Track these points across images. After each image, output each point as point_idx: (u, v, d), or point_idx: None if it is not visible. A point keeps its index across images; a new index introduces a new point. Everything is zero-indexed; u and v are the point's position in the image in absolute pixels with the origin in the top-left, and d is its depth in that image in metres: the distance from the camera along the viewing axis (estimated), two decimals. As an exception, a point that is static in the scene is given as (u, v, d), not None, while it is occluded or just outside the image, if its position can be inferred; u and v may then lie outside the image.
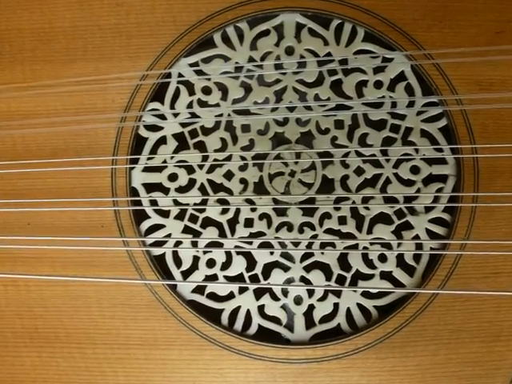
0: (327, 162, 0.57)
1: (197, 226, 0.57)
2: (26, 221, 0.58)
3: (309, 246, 0.56)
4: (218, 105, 0.59)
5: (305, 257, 0.56)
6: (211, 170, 0.58)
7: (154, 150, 0.58)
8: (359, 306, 0.55)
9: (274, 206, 0.56)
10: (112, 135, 0.57)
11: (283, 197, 0.57)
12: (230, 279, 0.56)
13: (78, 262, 0.56)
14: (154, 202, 0.58)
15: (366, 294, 0.55)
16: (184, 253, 0.57)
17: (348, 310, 0.55)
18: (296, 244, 0.56)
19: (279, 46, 0.59)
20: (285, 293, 0.56)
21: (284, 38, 0.59)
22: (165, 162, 0.58)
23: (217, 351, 0.54)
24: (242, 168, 0.58)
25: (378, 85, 0.58)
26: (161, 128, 0.59)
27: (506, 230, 0.53)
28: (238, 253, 0.56)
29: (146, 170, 0.58)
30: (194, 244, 0.57)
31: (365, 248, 0.55)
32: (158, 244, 0.57)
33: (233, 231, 0.57)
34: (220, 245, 0.57)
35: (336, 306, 0.55)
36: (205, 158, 0.58)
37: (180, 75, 0.59)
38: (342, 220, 0.56)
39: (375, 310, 0.55)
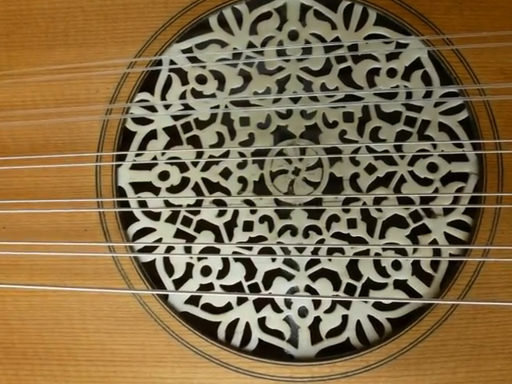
0: (335, 158, 0.56)
1: (190, 230, 0.57)
2: (0, 224, 0.57)
3: (315, 251, 0.55)
4: (213, 95, 0.58)
5: (310, 264, 0.56)
6: (206, 167, 0.57)
7: (142, 146, 0.58)
8: (370, 318, 0.54)
9: (276, 207, 0.56)
10: (96, 129, 0.57)
11: (286, 197, 0.56)
12: (227, 289, 0.56)
13: (59, 270, 0.56)
14: (142, 203, 0.57)
15: (378, 306, 0.54)
16: (176, 259, 0.56)
17: (358, 322, 0.54)
18: (300, 250, 0.56)
19: (282, 30, 0.59)
20: (288, 304, 0.55)
21: (287, 22, 0.59)
22: (155, 158, 0.57)
23: (213, 368, 0.53)
24: (241, 165, 0.57)
25: (392, 73, 0.57)
26: (150, 121, 0.58)
27: (534, 234, 0.54)
28: (236, 259, 0.56)
29: (134, 167, 0.58)
30: (188, 250, 0.56)
31: (377, 254, 0.55)
32: (148, 250, 0.56)
33: (230, 236, 0.56)
34: (216, 251, 0.56)
35: (345, 318, 0.55)
36: (199, 155, 0.57)
37: (172, 62, 0.59)
38: (352, 223, 0.56)
39: (388, 323, 0.54)
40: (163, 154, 0.57)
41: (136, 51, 0.58)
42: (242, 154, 0.57)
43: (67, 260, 0.55)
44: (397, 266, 0.55)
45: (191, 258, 0.56)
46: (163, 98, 0.58)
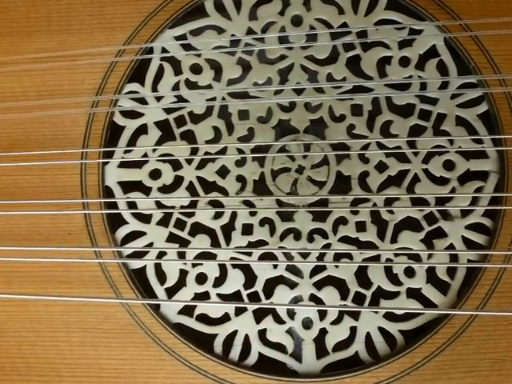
0: (342, 155, 0.56)
1: (184, 234, 0.56)
2: (-23, 227, 0.57)
3: (320, 257, 0.55)
4: (209, 86, 0.58)
5: (315, 271, 0.55)
6: (202, 165, 0.57)
7: (132, 141, 0.58)
8: (381, 330, 0.54)
9: (277, 209, 0.56)
10: (81, 123, 0.57)
11: (289, 198, 0.56)
12: (224, 298, 0.55)
13: (41, 278, 0.56)
14: (132, 205, 0.57)
15: (390, 317, 0.54)
16: (169, 266, 0.56)
17: (368, 335, 0.54)
18: (305, 255, 0.55)
19: (284, 15, 0.59)
20: (291, 314, 0.55)
21: (290, 6, 0.59)
22: (145, 155, 0.57)
23: (209, 385, 0.53)
24: (239, 163, 0.57)
25: (405, 62, 0.57)
26: (140, 114, 0.58)
27: (560, 238, 0.53)
28: (234, 266, 0.55)
29: (123, 165, 0.57)
30: (181, 255, 0.56)
31: (388, 260, 0.55)
32: (138, 255, 0.56)
33: (228, 240, 0.56)
34: (212, 256, 0.56)
35: (353, 330, 0.54)
36: (194, 151, 0.57)
37: (164, 50, 0.59)
38: (361, 226, 0.55)
39: (401, 336, 0.54)
40: (154, 150, 0.57)
41: (125, 38, 0.58)
42: (240, 151, 0.57)
43: (49, 266, 0.55)
44: (410, 273, 0.54)
45: (185, 264, 0.56)
46: (154, 89, 0.58)
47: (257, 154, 0.56)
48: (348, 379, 0.52)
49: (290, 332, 0.54)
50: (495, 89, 0.54)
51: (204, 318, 0.55)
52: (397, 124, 0.56)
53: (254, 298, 0.55)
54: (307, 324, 0.54)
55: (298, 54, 0.57)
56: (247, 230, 0.56)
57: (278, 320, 0.54)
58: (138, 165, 0.57)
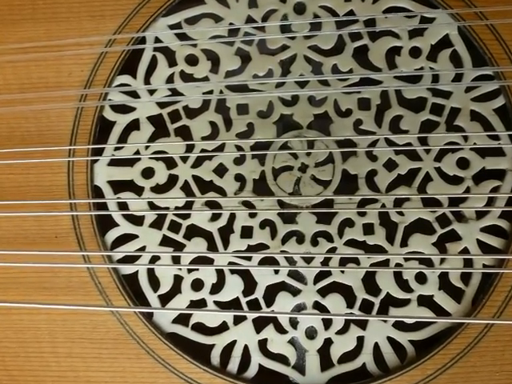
0: (349, 153, 0.56)
1: (179, 237, 0.56)
2: (-43, 229, 0.56)
3: (325, 262, 0.55)
4: (206, 79, 0.58)
5: (320, 277, 0.55)
6: (198, 163, 0.57)
7: (123, 138, 0.58)
8: (390, 340, 0.53)
9: (279, 210, 0.56)
10: (69, 118, 0.57)
11: (291, 198, 0.56)
12: (222, 306, 0.55)
13: (25, 284, 0.55)
14: (123, 206, 0.57)
15: (400, 326, 0.53)
16: (162, 271, 0.56)
17: (376, 345, 0.54)
18: (308, 260, 0.55)
19: (286, 3, 0.59)
20: (294, 324, 0.54)
21: None
22: (137, 153, 0.57)
23: (205, 399, 0.53)
24: (238, 161, 0.57)
25: (415, 53, 0.57)
26: (132, 109, 0.58)
27: None
28: (232, 271, 0.55)
29: (114, 163, 0.57)
30: (176, 260, 0.56)
31: (398, 265, 0.54)
32: (129, 260, 0.56)
33: (226, 243, 0.56)
34: (209, 261, 0.56)
35: (360, 340, 0.54)
36: (189, 148, 0.57)
37: (157, 40, 0.59)
38: (369, 229, 0.55)
39: (411, 346, 0.53)
40: (147, 147, 0.57)
41: (115, 27, 0.58)
42: (239, 148, 0.57)
43: (35, 272, 0.55)
44: (421, 279, 0.54)
45: (180, 269, 0.55)
46: (147, 81, 0.58)
47: (257, 152, 0.56)
48: (354, 393, 0.52)
49: (292, 342, 0.54)
50: (513, 81, 0.54)
51: (200, 328, 0.54)
52: (407, 119, 0.56)
53: (253, 305, 0.55)
54: (311, 334, 0.54)
55: (301, 44, 0.57)
56: (246, 232, 0.55)
57: (280, 329, 0.54)
58: (129, 163, 0.57)
